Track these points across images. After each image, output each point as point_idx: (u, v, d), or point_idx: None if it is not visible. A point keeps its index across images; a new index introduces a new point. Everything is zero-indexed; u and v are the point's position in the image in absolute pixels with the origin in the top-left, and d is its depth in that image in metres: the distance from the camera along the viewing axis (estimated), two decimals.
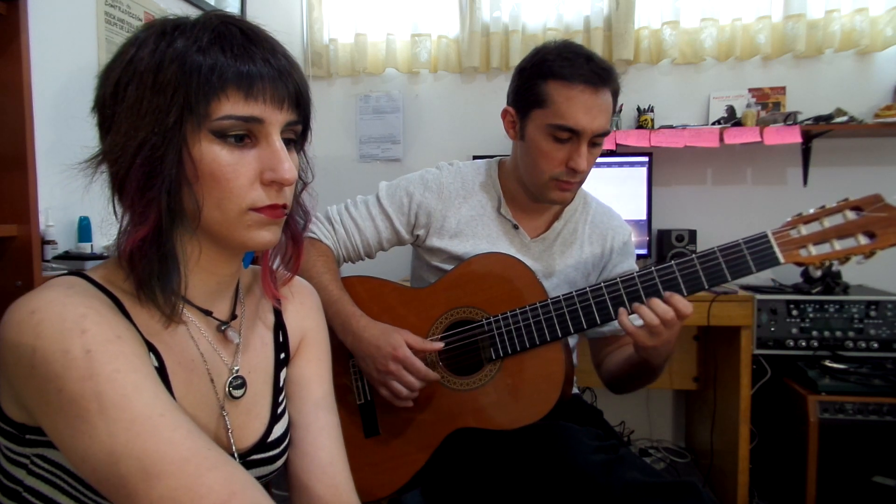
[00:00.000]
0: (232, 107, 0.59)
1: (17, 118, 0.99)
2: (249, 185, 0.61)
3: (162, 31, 0.60)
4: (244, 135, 0.61)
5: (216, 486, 0.54)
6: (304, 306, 0.83)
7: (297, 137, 0.66)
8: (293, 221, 0.73)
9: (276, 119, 0.62)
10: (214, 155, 0.60)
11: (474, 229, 1.24)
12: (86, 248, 1.48)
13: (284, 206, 0.64)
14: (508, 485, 1.01)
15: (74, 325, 0.56)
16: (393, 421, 1.15)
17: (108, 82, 0.61)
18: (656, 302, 1.00)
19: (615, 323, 1.05)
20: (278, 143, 0.62)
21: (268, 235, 0.64)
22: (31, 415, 0.59)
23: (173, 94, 0.58)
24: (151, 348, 0.62)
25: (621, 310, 1.03)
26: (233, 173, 0.60)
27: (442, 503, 1.13)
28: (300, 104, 0.64)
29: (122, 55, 0.61)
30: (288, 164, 0.62)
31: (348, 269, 1.30)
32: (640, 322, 1.01)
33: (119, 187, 0.61)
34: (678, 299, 1.00)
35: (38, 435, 0.61)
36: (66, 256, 1.42)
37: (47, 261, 1.37)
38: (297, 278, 0.83)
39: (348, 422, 1.17)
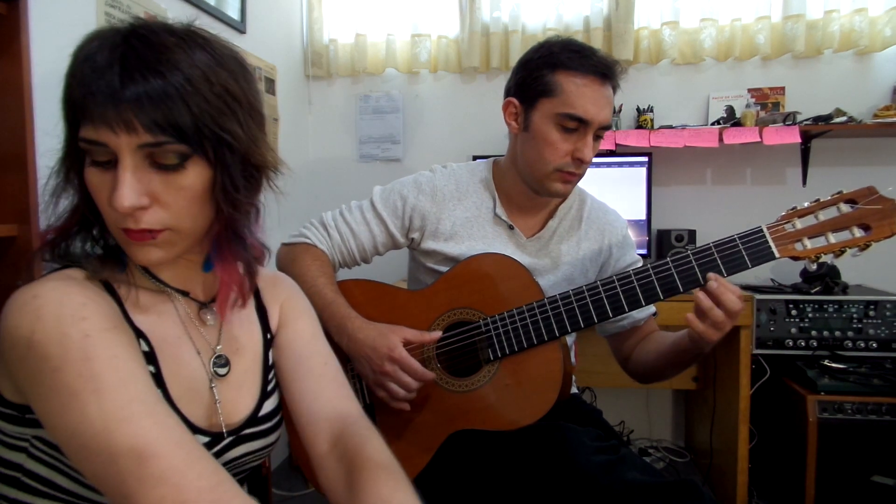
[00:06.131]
0: (85, 130, 0.58)
1: (17, 118, 0.98)
2: (110, 207, 0.60)
3: (87, 37, 0.61)
4: (108, 158, 0.59)
5: (206, 473, 0.56)
6: (277, 287, 0.86)
7: (179, 161, 0.59)
8: (231, 253, 0.70)
9: (118, 143, 0.57)
10: (88, 175, 0.61)
11: (469, 231, 1.24)
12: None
13: (150, 231, 0.60)
14: (509, 486, 1.01)
15: (75, 312, 0.58)
16: (392, 424, 1.15)
17: None
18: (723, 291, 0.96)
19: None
20: (122, 168, 0.58)
21: (144, 255, 0.63)
22: (24, 397, 0.60)
23: (65, 113, 0.61)
24: (141, 334, 0.65)
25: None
26: (97, 194, 0.61)
27: None
28: (172, 125, 0.57)
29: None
30: (123, 191, 0.57)
31: (345, 273, 1.30)
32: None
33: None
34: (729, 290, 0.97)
35: None
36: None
37: (47, 261, 1.37)
38: (271, 272, 0.86)
39: None
